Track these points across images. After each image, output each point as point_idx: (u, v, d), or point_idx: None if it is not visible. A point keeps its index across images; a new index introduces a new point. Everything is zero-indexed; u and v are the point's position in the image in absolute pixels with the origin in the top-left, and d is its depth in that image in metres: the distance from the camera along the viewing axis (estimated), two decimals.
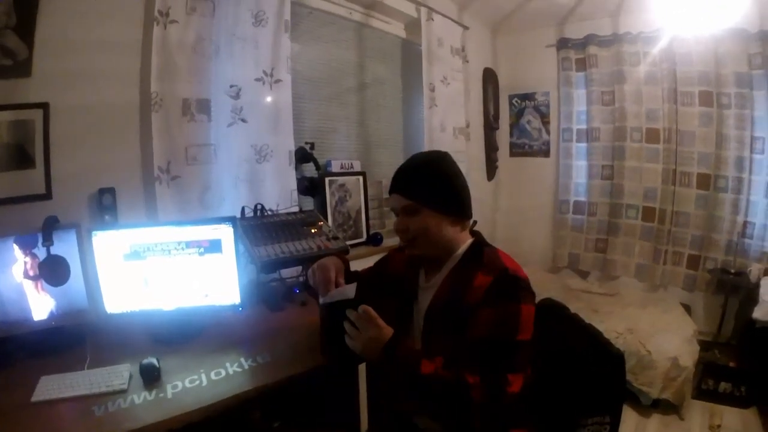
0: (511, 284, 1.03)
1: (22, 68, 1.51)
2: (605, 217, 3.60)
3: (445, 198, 1.14)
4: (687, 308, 3.12)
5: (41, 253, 1.39)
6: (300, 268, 2.09)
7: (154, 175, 1.79)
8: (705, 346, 2.80)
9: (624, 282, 3.58)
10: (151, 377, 1.24)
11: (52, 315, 1.45)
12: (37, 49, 1.53)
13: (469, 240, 1.20)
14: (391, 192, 1.19)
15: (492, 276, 1.04)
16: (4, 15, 1.45)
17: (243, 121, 2.02)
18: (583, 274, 3.84)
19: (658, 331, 2.62)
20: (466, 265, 1.13)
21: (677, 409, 2.46)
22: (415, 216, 1.13)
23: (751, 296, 2.67)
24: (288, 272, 2.07)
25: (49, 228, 1.40)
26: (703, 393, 2.61)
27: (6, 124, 1.50)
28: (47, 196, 1.59)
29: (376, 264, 1.51)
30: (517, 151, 4.12)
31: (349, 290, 1.16)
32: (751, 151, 2.97)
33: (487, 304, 1.01)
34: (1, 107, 1.49)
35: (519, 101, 4.02)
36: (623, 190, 3.46)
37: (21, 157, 1.55)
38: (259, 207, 1.97)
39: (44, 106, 1.56)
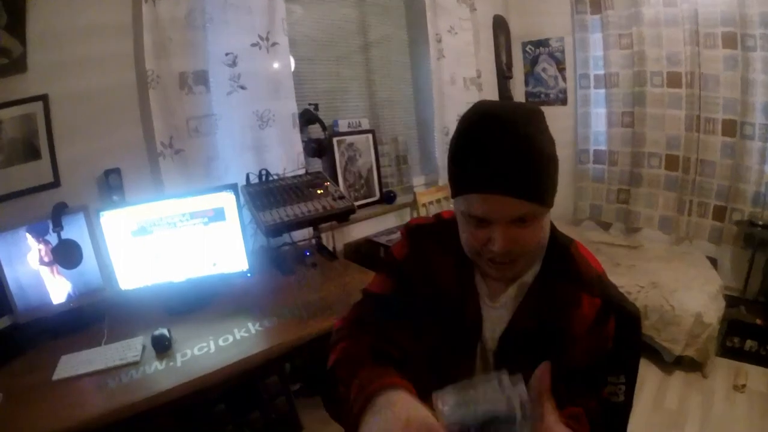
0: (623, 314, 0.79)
1: (18, 65, 1.54)
2: (627, 167, 3.48)
3: (556, 184, 0.76)
4: (713, 262, 3.00)
5: (53, 239, 1.44)
6: (311, 230, 2.12)
7: (157, 151, 1.82)
8: (731, 302, 2.69)
9: (648, 234, 3.48)
10: (162, 347, 1.31)
11: (69, 297, 1.52)
12: (30, 43, 1.55)
13: None
14: (484, 190, 0.70)
15: (600, 299, 0.78)
16: None
17: (242, 88, 2.01)
18: (605, 226, 3.75)
19: (682, 286, 2.53)
20: (554, 275, 0.81)
21: (701, 366, 2.39)
22: (532, 224, 0.72)
23: None
24: (300, 235, 2.10)
25: (58, 214, 1.44)
26: (727, 351, 2.53)
27: (9, 120, 1.55)
28: (56, 183, 1.65)
29: (408, 267, 0.92)
30: (533, 100, 3.96)
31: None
32: None
33: (591, 332, 0.77)
34: (2, 105, 1.53)
35: (533, 48, 3.85)
36: (645, 138, 3.31)
37: (27, 150, 1.60)
38: (263, 172, 1.98)
39: (43, 98, 1.60)
